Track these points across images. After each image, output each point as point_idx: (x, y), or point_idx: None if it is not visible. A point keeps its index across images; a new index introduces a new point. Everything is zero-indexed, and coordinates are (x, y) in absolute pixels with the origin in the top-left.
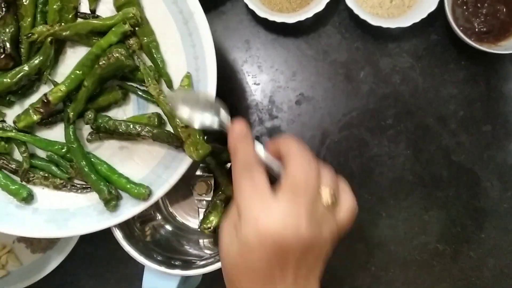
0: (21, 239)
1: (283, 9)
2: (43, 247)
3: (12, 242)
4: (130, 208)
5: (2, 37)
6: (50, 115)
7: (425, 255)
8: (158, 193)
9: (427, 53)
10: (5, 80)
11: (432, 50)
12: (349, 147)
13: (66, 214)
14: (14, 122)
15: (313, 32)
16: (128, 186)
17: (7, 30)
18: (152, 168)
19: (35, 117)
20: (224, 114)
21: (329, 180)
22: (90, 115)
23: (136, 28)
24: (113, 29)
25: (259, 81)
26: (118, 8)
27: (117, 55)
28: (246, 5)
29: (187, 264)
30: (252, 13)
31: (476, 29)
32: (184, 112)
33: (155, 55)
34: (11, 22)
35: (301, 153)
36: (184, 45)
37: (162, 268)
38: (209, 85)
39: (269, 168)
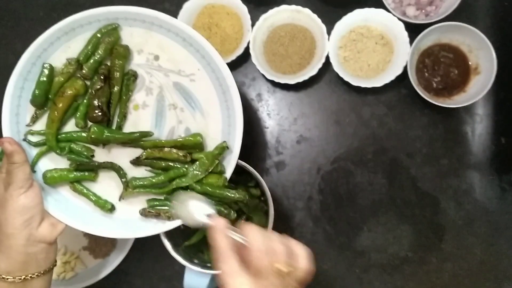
0: (86, 248)
1: (286, 72)
2: (103, 253)
3: (78, 250)
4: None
5: (101, 100)
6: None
7: (397, 261)
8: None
9: (398, 103)
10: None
11: (402, 101)
12: (338, 176)
13: (133, 222)
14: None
15: (310, 87)
16: None
17: (104, 95)
18: None
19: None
20: (209, 209)
21: (281, 255)
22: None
23: None
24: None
25: (268, 125)
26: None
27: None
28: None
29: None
30: (262, 74)
31: (434, 86)
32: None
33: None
34: (106, 90)
35: (255, 239)
36: (222, 108)
37: (199, 268)
38: (237, 136)
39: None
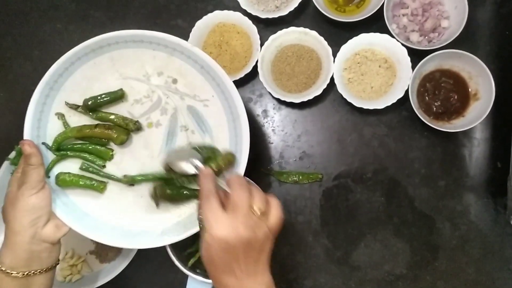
0: (93, 252)
1: (291, 91)
2: (109, 258)
3: (85, 254)
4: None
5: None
6: None
7: (392, 277)
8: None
9: (398, 125)
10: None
11: (403, 123)
12: (339, 193)
13: (133, 233)
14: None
15: (314, 106)
16: None
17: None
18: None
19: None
20: (198, 162)
21: (258, 199)
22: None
23: None
24: None
25: (273, 141)
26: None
27: None
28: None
29: None
30: (268, 92)
31: (434, 110)
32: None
33: None
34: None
35: (238, 183)
36: (230, 134)
37: (200, 278)
38: (242, 161)
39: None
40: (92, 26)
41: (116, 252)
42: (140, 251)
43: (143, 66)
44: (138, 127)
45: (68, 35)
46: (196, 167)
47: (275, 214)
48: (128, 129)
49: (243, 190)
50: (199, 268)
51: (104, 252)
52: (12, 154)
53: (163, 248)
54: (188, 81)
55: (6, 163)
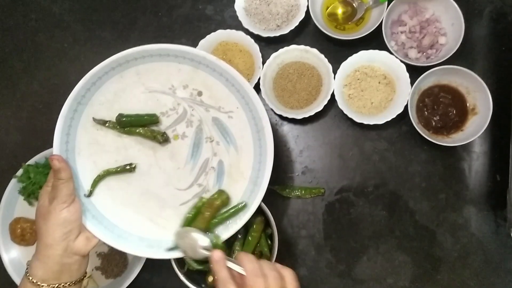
0: (98, 268)
1: (293, 107)
2: (114, 274)
3: (91, 270)
4: None
5: None
6: None
7: None
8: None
9: (399, 139)
10: None
11: (403, 137)
12: (341, 207)
13: (161, 244)
14: None
15: (315, 122)
16: None
17: None
18: None
19: None
20: (209, 245)
21: (273, 280)
22: None
23: None
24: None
25: (275, 156)
26: None
27: None
28: None
29: None
30: (271, 108)
31: (433, 125)
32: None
33: None
34: None
35: (250, 266)
36: (254, 145)
37: None
38: (266, 172)
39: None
40: (97, 46)
41: (121, 267)
42: (145, 266)
43: (168, 79)
44: (165, 139)
45: (74, 54)
46: (205, 248)
47: (291, 286)
48: (156, 141)
49: (257, 275)
50: (205, 284)
51: (109, 268)
52: (20, 172)
53: (168, 264)
54: (213, 93)
55: (13, 181)
